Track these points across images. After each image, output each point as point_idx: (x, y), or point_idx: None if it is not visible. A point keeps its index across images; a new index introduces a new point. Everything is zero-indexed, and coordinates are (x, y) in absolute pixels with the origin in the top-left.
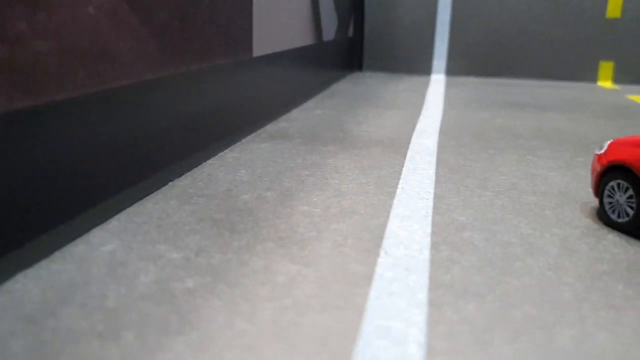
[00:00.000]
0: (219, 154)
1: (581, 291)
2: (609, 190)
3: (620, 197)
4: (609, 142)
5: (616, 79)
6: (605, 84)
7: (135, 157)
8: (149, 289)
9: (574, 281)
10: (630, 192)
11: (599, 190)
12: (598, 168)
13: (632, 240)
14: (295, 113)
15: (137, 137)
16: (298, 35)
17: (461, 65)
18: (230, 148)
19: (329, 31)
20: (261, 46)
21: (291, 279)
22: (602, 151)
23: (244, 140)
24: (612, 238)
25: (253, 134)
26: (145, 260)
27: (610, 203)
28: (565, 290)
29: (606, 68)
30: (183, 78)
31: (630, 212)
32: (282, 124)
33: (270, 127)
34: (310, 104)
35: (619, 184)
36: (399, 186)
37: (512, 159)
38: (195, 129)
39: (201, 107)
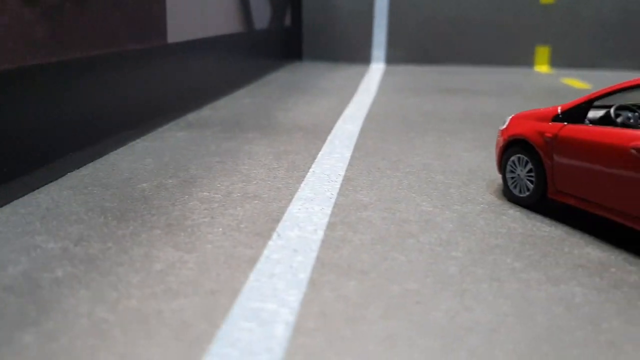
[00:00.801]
0: (130, 143)
1: (467, 265)
2: (511, 165)
3: (521, 172)
4: (510, 117)
5: (552, 63)
6: (542, 68)
7: (24, 148)
8: (13, 281)
9: (462, 255)
10: (530, 166)
11: (502, 166)
12: (500, 143)
13: (533, 215)
14: (223, 101)
15: (24, 127)
16: (223, 23)
17: (401, 53)
18: (143, 137)
19: (262, 20)
20: (177, 33)
21: (169, 266)
22: (504, 126)
23: (160, 129)
24: (513, 213)
25: (171, 123)
26: (17, 251)
27: (512, 178)
28: (451, 264)
29: (542, 53)
30: (79, 64)
31: (531, 186)
32: (206, 112)
33: (192, 116)
34: (241, 92)
35: (519, 159)
36: (311, 170)
37: (431, 141)
38: (98, 118)
39: (105, 95)
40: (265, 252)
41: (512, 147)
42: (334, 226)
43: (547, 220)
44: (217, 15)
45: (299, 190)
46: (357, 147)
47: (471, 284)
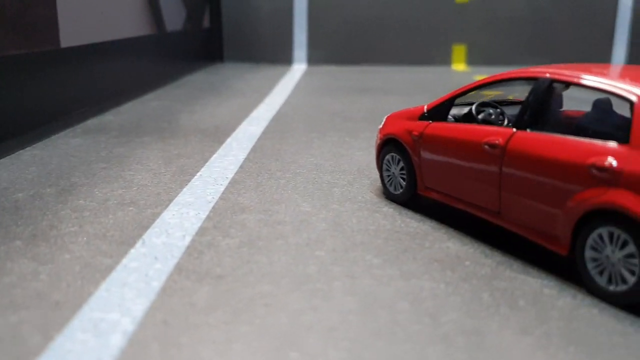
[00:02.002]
0: (18, 152)
1: (327, 264)
2: (386, 164)
3: (395, 170)
4: (387, 116)
5: (469, 61)
6: (459, 66)
7: None
8: None
9: (325, 254)
10: (402, 164)
11: (379, 165)
12: (377, 142)
13: (405, 212)
14: (128, 106)
15: None
16: (128, 25)
17: (322, 54)
18: (34, 145)
19: (175, 21)
20: (72, 36)
21: (20, 278)
22: (381, 125)
23: (54, 136)
24: (386, 210)
25: (68, 129)
26: None
27: (388, 176)
28: (311, 264)
29: (459, 51)
30: None
31: (403, 183)
32: (108, 117)
33: (92, 121)
34: (150, 96)
35: (392, 157)
36: (198, 174)
37: (330, 141)
38: None
39: None
40: (124, 260)
41: (387, 146)
42: (205, 231)
43: (417, 217)
44: (121, 18)
45: (180, 195)
46: (254, 149)
47: (325, 282)
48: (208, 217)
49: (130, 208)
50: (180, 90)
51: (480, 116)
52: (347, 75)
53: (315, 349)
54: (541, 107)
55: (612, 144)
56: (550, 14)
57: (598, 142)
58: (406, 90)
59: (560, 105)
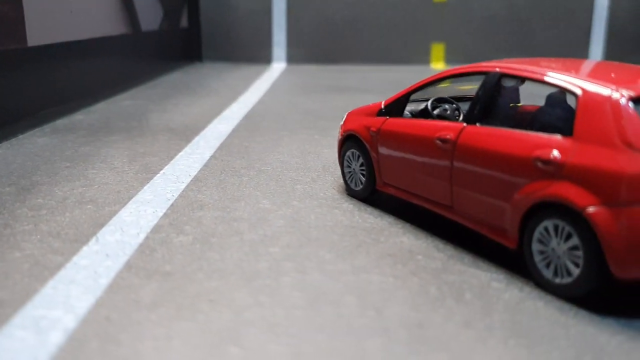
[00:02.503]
0: None
1: (279, 260)
2: (347, 160)
3: (355, 166)
4: (348, 112)
5: (448, 60)
6: (438, 65)
7: None
8: None
9: (279, 251)
10: (362, 160)
11: (341, 161)
12: (339, 139)
13: (365, 207)
14: (100, 105)
15: None
16: (100, 25)
17: (301, 53)
18: None
19: (150, 21)
20: (39, 35)
21: None
22: (342, 122)
23: (21, 136)
24: (346, 207)
25: (37, 128)
26: None
27: (349, 172)
28: (263, 260)
29: (438, 50)
30: None
31: (363, 179)
32: (78, 116)
33: (61, 121)
34: (123, 95)
35: (353, 153)
36: (162, 172)
37: (299, 139)
38: None
39: None
40: (75, 258)
41: (347, 142)
42: (160, 228)
43: (376, 212)
44: (92, 18)
45: (140, 193)
46: (221, 147)
47: (274, 278)
48: (165, 215)
49: (89, 206)
50: (155, 90)
51: (435, 112)
52: (325, 74)
53: (255, 344)
54: (491, 102)
55: (557, 137)
56: (528, 13)
57: (544, 136)
58: (383, 89)
59: (517, 100)
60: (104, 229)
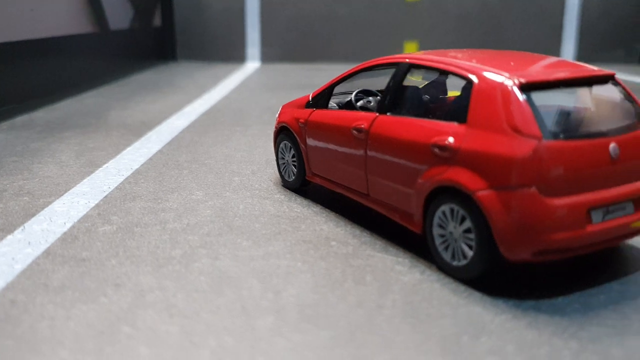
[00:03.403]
0: None
1: (195, 247)
2: (281, 152)
3: (288, 157)
4: (283, 105)
5: None
6: None
7: None
8: None
9: (197, 238)
10: (293, 151)
11: (276, 153)
12: (274, 131)
13: (295, 198)
14: (63, 103)
15: None
16: (63, 23)
17: (276, 52)
18: None
19: (120, 20)
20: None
21: None
22: (278, 114)
23: None
24: (277, 197)
25: None
26: None
27: (282, 164)
28: (179, 247)
29: (411, 48)
30: None
31: (295, 170)
32: (38, 114)
33: (20, 118)
34: (90, 93)
35: (285, 145)
36: (105, 165)
37: (251, 134)
38: None
39: None
40: None
41: (281, 134)
42: (88, 218)
43: (305, 202)
44: (55, 16)
45: (78, 185)
46: (171, 142)
47: (185, 265)
48: (96, 206)
49: (25, 198)
50: (122, 88)
51: (359, 103)
52: (298, 73)
53: (147, 325)
54: (401, 91)
55: (454, 124)
56: (500, 11)
57: (443, 123)
58: (350, 85)
59: (445, 92)
60: (33, 219)
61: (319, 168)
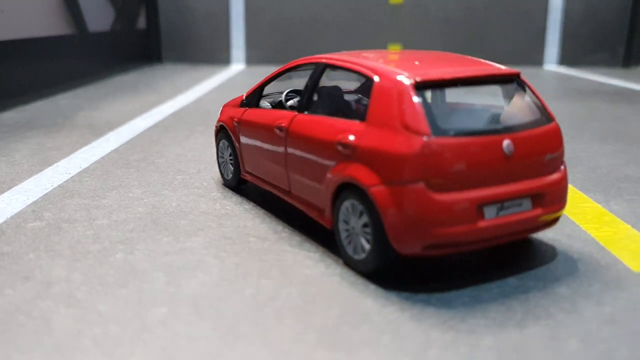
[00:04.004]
0: None
1: (114, 242)
2: (220, 151)
3: (226, 156)
4: (223, 104)
5: None
6: None
7: None
8: None
9: (120, 234)
10: (230, 150)
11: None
12: (215, 130)
13: (231, 196)
14: (37, 104)
15: None
16: (38, 25)
17: (260, 54)
18: None
19: (99, 22)
20: None
21: None
22: (219, 114)
23: None
24: (214, 195)
25: None
26: None
27: (222, 162)
28: (98, 242)
29: (394, 50)
30: None
31: (232, 169)
32: (8, 114)
33: None
34: (65, 94)
35: (224, 144)
36: (56, 164)
37: (210, 133)
38: None
39: None
40: None
41: (220, 133)
42: (22, 214)
43: (240, 200)
44: (29, 18)
45: (23, 183)
46: (129, 142)
47: (99, 259)
48: (34, 202)
49: None
50: (100, 89)
51: (289, 103)
52: None
53: (43, 314)
54: (317, 91)
55: (356, 122)
56: (484, 15)
57: (347, 121)
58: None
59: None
60: None
61: (251, 166)
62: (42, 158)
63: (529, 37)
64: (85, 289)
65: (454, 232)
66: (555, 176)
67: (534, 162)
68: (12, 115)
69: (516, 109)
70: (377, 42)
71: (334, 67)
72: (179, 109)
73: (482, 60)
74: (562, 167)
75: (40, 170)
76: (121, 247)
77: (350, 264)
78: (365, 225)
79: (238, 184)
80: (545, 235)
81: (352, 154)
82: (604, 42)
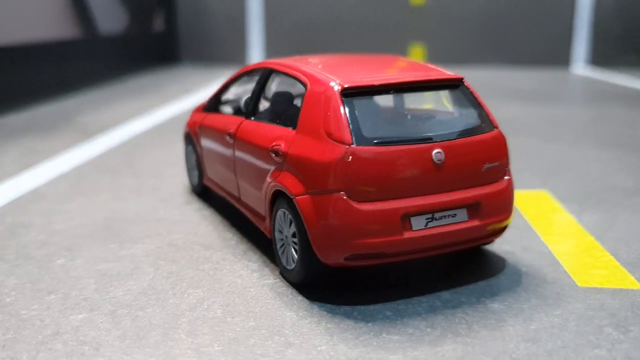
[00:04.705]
0: None
1: (52, 243)
2: (187, 156)
3: (192, 162)
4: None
5: (428, 61)
6: None
7: None
8: None
9: (59, 237)
10: (194, 155)
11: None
12: (183, 135)
13: (195, 202)
14: (43, 108)
15: None
16: (50, 28)
17: (278, 54)
18: None
19: (111, 25)
20: None
21: None
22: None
23: None
24: (177, 201)
25: None
26: None
27: (189, 168)
28: (41, 244)
29: (416, 51)
30: None
31: (197, 174)
32: (11, 117)
33: None
34: (75, 98)
35: (189, 149)
36: (37, 168)
37: None
38: None
39: None
40: None
41: (186, 139)
42: None
43: (202, 206)
44: (39, 22)
45: (4, 185)
46: (118, 146)
47: (39, 264)
48: (1, 207)
49: None
50: (109, 92)
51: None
52: None
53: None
54: (262, 97)
55: (289, 129)
56: (507, 14)
57: (282, 128)
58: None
59: None
60: None
61: (210, 172)
62: (26, 161)
63: (555, 36)
64: (15, 294)
65: (377, 243)
66: (496, 186)
67: (470, 171)
68: (15, 118)
69: (455, 115)
70: (399, 44)
71: (278, 73)
72: (181, 111)
73: (430, 66)
74: (507, 177)
75: (20, 173)
76: (65, 254)
77: (284, 274)
78: (294, 235)
79: (204, 190)
80: (499, 248)
81: (282, 161)
82: (637, 42)
